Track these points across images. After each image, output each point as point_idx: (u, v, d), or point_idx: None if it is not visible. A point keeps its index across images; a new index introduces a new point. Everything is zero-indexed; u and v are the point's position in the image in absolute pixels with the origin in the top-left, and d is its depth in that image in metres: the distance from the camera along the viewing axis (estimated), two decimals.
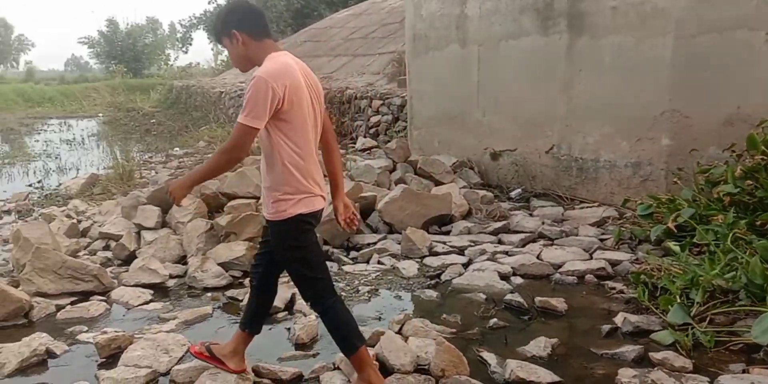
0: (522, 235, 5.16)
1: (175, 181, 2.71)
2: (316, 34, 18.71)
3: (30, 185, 8.67)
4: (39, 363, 3.31)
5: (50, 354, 3.39)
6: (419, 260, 4.81)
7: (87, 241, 5.40)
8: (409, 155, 6.86)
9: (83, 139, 14.86)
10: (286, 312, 3.93)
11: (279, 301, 3.94)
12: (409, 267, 4.63)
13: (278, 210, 2.59)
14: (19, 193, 7.70)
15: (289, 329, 3.67)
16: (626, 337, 3.43)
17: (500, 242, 5.14)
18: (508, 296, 3.98)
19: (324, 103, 2.75)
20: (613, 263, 4.49)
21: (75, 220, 5.77)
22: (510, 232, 5.33)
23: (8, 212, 7.00)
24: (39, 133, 16.79)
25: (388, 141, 9.89)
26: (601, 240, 5.01)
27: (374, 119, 10.88)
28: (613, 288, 4.10)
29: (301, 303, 4.00)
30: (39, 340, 3.42)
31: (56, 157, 11.52)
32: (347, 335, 2.73)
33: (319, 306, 2.77)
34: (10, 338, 3.60)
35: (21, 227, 4.86)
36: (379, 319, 3.83)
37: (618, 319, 3.58)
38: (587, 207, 5.87)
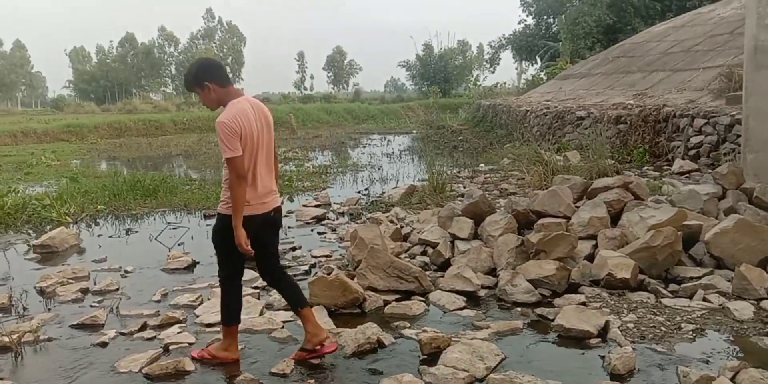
0: None
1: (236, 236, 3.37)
2: (630, 49, 17.79)
3: (359, 192, 9.89)
4: (370, 350, 3.73)
5: (380, 343, 3.80)
6: (755, 302, 4.21)
7: (408, 245, 5.94)
8: (742, 182, 6.06)
9: (400, 153, 16.44)
10: (599, 339, 3.79)
11: (591, 326, 3.83)
12: (743, 309, 4.08)
13: (225, 207, 3.46)
14: (351, 198, 8.83)
15: (602, 357, 3.53)
16: None
17: None
18: None
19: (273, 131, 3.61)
20: None
21: (398, 226, 6.39)
22: None
23: (343, 214, 8.08)
24: (364, 147, 19.06)
25: (712, 164, 8.92)
26: None
27: (695, 140, 9.91)
28: None
29: (615, 331, 3.82)
30: (371, 330, 3.86)
31: (379, 168, 12.94)
32: (229, 311, 3.60)
33: (224, 282, 3.63)
34: (346, 324, 4.14)
35: (358, 228, 5.56)
36: (706, 362, 3.46)
37: None
38: None
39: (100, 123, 26.60)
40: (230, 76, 3.62)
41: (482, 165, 12.14)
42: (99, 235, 7.35)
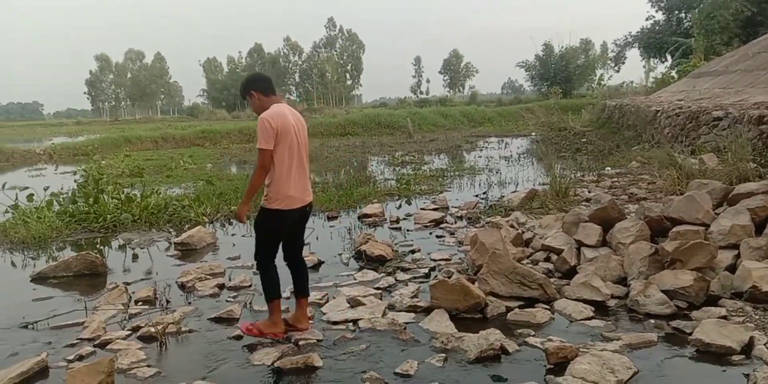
0: None
1: (238, 209, 4.17)
2: None
3: (476, 195, 9.80)
4: (493, 357, 3.69)
5: (503, 350, 3.74)
6: None
7: (530, 251, 5.81)
8: None
9: (518, 156, 16.11)
10: (743, 356, 3.51)
11: (735, 343, 3.57)
12: None
13: (266, 202, 3.96)
14: (469, 202, 8.76)
15: (747, 375, 3.27)
16: None
17: None
18: None
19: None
20: None
21: (519, 231, 6.26)
22: None
23: (461, 218, 8.05)
24: (481, 150, 18.86)
25: None
26: None
27: None
28: None
29: (761, 349, 3.54)
30: (494, 336, 3.81)
31: (497, 172, 12.75)
32: (270, 288, 4.07)
33: (260, 263, 4.11)
34: (468, 329, 4.12)
35: (478, 233, 5.51)
36: None
37: None
38: None
39: (231, 129, 28.29)
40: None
41: (608, 168, 11.63)
42: (233, 235, 7.81)
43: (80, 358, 3.94)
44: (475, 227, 7.18)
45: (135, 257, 6.86)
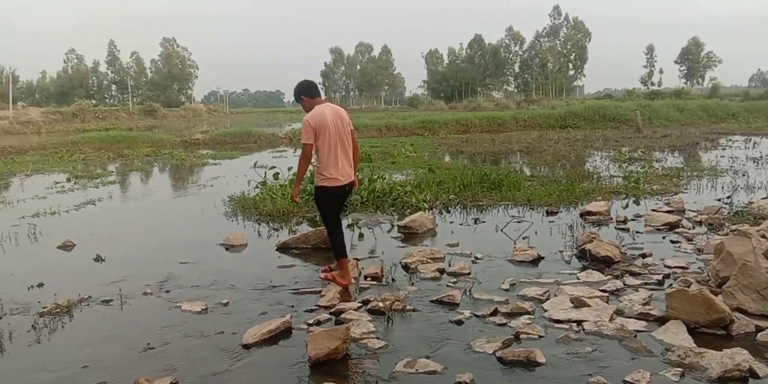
0: None
1: (293, 190, 5.37)
2: None
3: (719, 199, 8.82)
4: (739, 378, 3.31)
5: (751, 373, 3.34)
6: None
7: None
8: None
9: None
10: None
11: None
12: None
13: (317, 181, 5.12)
14: (710, 207, 7.91)
15: None
16: None
17: None
18: None
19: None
20: None
21: None
22: None
23: (700, 223, 7.30)
24: (724, 149, 16.92)
25: None
26: None
27: None
28: None
29: None
30: (742, 356, 3.42)
31: (743, 175, 11.34)
32: (338, 250, 5.22)
33: (329, 232, 5.27)
34: (708, 345, 3.74)
35: (725, 241, 4.96)
36: None
37: None
38: None
39: (449, 120, 28.91)
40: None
41: None
42: (451, 222, 7.99)
43: (318, 323, 4.34)
44: (718, 235, 6.48)
45: (361, 236, 7.35)
